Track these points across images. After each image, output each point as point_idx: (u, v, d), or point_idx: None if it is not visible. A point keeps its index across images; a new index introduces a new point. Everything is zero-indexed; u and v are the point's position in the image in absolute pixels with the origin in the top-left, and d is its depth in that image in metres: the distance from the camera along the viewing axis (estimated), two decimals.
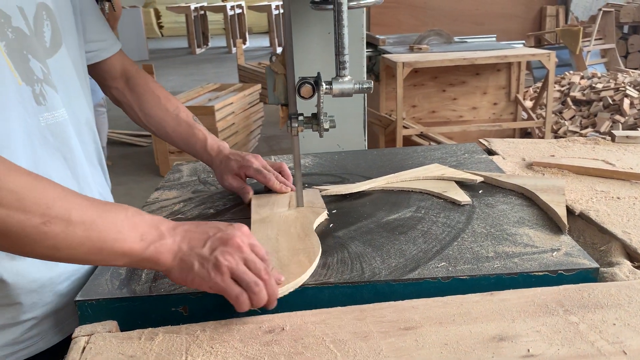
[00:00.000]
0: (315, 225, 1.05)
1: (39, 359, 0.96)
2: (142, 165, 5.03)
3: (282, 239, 0.99)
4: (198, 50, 12.68)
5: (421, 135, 3.91)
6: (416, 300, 0.81)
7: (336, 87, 1.04)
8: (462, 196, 1.14)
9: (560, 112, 4.53)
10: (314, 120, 1.07)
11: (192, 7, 12.30)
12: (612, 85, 4.51)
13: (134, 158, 5.27)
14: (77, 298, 0.88)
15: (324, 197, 1.19)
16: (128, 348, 0.75)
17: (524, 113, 4.24)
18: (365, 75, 1.73)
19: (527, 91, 4.92)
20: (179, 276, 0.77)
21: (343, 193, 1.21)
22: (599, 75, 4.93)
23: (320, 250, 0.94)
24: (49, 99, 0.95)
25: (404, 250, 0.96)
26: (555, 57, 3.78)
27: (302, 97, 1.04)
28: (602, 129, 4.07)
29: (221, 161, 1.22)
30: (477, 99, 4.26)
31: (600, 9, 6.35)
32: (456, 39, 4.73)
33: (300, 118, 1.08)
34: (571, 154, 1.41)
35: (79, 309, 0.87)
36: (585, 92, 4.60)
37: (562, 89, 4.82)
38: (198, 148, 1.23)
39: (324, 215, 1.09)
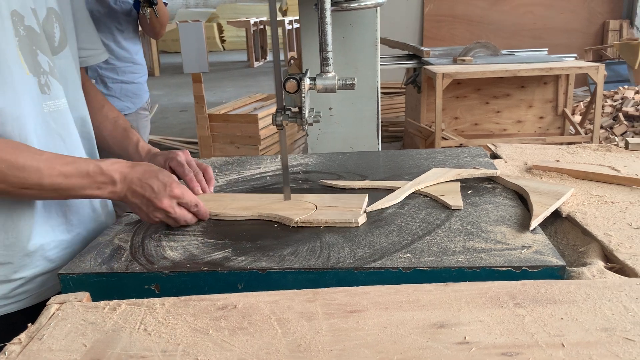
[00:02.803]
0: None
1: (25, 313, 1.05)
2: None
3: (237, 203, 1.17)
4: (256, 64, 12.99)
5: (461, 147, 3.85)
6: (370, 287, 0.82)
7: (320, 83, 1.08)
8: (456, 201, 1.13)
9: (611, 128, 4.36)
10: (300, 115, 1.11)
11: (252, 22, 12.64)
12: None
13: None
14: (60, 272, 0.94)
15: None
16: (91, 316, 0.80)
17: (571, 128, 4.10)
18: (379, 80, 1.75)
19: (577, 106, 4.76)
20: (129, 210, 1.10)
21: (385, 206, 1.13)
22: None
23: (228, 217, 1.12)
24: (53, 89, 1.07)
25: (374, 242, 0.97)
26: (604, 70, 3.65)
27: (288, 92, 1.08)
28: None
29: (150, 159, 1.26)
30: (522, 112, 4.16)
31: None
32: (504, 51, 4.65)
33: (287, 112, 1.11)
34: (579, 159, 1.38)
35: (62, 282, 0.94)
36: (639, 107, 4.40)
37: (615, 103, 4.63)
38: (130, 149, 1.28)
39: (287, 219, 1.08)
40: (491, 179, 1.26)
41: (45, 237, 1.06)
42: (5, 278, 1.03)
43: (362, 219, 1.05)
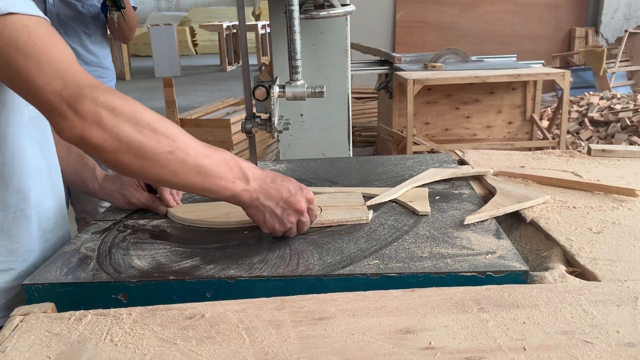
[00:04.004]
0: None
1: None
2: None
3: None
4: (229, 68, 12.93)
5: (432, 152, 3.90)
6: (338, 294, 0.83)
7: (289, 90, 1.08)
8: (423, 207, 1.14)
9: (577, 133, 4.47)
10: (269, 122, 1.11)
11: (225, 26, 12.59)
12: (631, 107, 4.43)
13: None
14: (24, 282, 0.93)
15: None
16: (56, 327, 0.79)
17: (539, 133, 4.19)
18: (349, 87, 1.77)
19: (545, 111, 4.86)
20: (251, 216, 1.00)
21: (380, 202, 1.18)
22: (619, 96, 4.85)
23: None
24: None
25: (343, 248, 0.98)
26: (570, 76, 3.74)
27: (257, 99, 1.08)
28: None
29: (113, 181, 1.21)
30: (491, 118, 4.23)
31: (626, 31, 6.24)
32: (474, 58, 4.73)
33: (256, 120, 1.12)
34: (543, 165, 1.41)
35: (26, 292, 0.92)
36: (603, 112, 4.53)
37: (581, 109, 4.75)
38: (86, 175, 1.22)
39: None
40: (457, 184, 1.29)
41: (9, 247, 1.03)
42: (6, 285, 1.01)
43: (371, 215, 1.10)
